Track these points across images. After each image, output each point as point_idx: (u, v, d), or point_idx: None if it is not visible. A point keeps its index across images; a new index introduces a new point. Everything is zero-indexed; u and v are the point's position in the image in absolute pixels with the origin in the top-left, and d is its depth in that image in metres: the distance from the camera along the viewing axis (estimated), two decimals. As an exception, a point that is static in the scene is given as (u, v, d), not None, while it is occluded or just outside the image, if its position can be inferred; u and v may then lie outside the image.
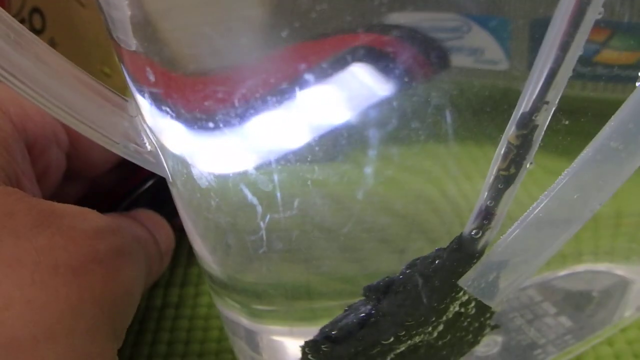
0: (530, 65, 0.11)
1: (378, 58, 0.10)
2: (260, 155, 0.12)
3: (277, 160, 0.11)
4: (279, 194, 0.12)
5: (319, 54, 0.10)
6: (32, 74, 0.12)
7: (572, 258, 0.19)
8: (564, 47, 0.08)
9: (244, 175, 0.12)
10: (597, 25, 0.09)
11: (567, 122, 0.10)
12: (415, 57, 0.11)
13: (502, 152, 0.10)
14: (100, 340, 0.14)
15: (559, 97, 0.09)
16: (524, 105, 0.10)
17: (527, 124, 0.10)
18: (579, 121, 0.12)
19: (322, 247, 0.14)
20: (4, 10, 0.12)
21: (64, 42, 0.32)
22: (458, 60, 0.11)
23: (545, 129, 0.10)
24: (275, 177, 0.12)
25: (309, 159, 0.11)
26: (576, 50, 0.08)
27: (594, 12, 0.08)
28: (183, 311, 0.23)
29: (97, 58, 0.35)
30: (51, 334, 0.13)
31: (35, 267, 0.13)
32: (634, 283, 0.21)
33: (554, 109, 0.10)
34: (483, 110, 0.12)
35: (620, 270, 0.20)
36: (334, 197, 0.13)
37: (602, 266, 0.20)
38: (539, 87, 0.09)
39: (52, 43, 0.32)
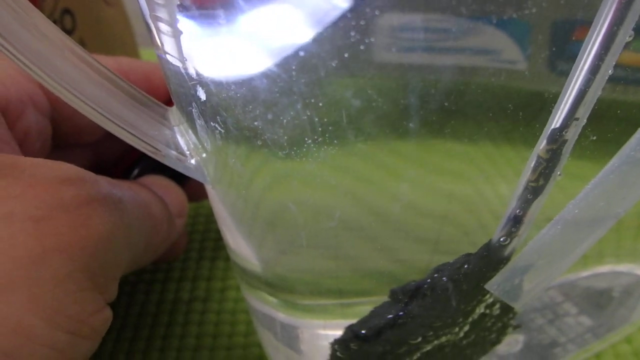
0: (548, 65, 0.12)
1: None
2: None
3: (328, 138, 0.11)
4: (323, 196, 0.13)
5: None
6: (76, 80, 0.13)
7: (595, 259, 0.19)
8: (594, 70, 0.09)
9: (289, 176, 0.12)
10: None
11: (594, 138, 0.11)
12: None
13: (532, 165, 0.11)
14: (73, 289, 0.13)
15: (588, 114, 0.10)
16: (554, 121, 0.10)
17: (557, 139, 0.10)
18: (600, 123, 0.13)
19: (368, 243, 0.14)
20: (57, 27, 0.13)
21: (91, 41, 0.33)
22: (473, 60, 0.12)
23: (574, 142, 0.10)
24: (317, 173, 0.12)
25: (352, 150, 0.11)
26: (605, 72, 0.09)
27: (625, 35, 0.09)
28: (210, 305, 0.23)
29: (122, 55, 0.36)
30: (9, 283, 0.12)
31: None
32: (654, 283, 0.21)
33: (583, 124, 0.10)
34: (503, 111, 0.12)
35: (640, 270, 0.21)
36: (380, 193, 0.13)
37: (623, 267, 0.20)
38: (569, 104, 0.10)
39: (82, 43, 0.33)
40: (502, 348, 0.18)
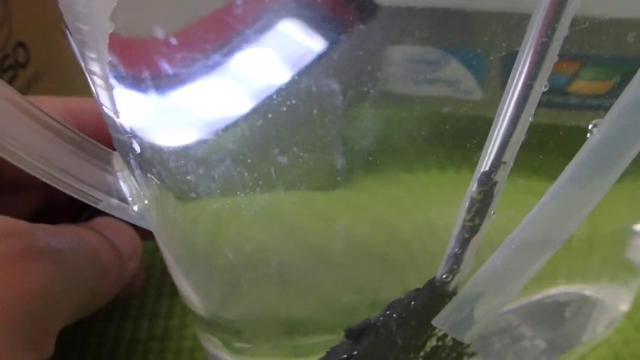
0: (502, 95, 0.12)
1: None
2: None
3: (259, 191, 0.11)
4: (260, 244, 0.13)
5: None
6: (7, 128, 0.12)
7: (548, 281, 0.20)
8: (514, 121, 0.09)
9: (225, 225, 0.12)
10: (567, 57, 0.10)
11: (521, 181, 0.11)
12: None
13: (466, 206, 0.11)
14: (3, 349, 0.12)
15: (514, 157, 0.10)
16: (483, 165, 0.10)
17: (487, 181, 0.10)
18: (557, 142, 0.13)
19: (301, 285, 0.14)
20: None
21: (48, 73, 0.33)
22: (435, 90, 0.12)
23: (503, 185, 0.11)
24: (252, 222, 0.12)
25: (294, 186, 0.12)
26: (525, 122, 0.09)
27: (540, 87, 0.09)
28: (169, 344, 0.23)
29: (82, 86, 0.35)
30: None
31: None
32: (602, 302, 0.22)
33: (510, 166, 0.10)
34: (461, 139, 0.12)
35: (589, 290, 0.21)
36: (316, 230, 0.13)
37: (574, 288, 0.21)
38: (496, 150, 0.10)
39: (37, 75, 0.32)
40: (460, 375, 0.18)
